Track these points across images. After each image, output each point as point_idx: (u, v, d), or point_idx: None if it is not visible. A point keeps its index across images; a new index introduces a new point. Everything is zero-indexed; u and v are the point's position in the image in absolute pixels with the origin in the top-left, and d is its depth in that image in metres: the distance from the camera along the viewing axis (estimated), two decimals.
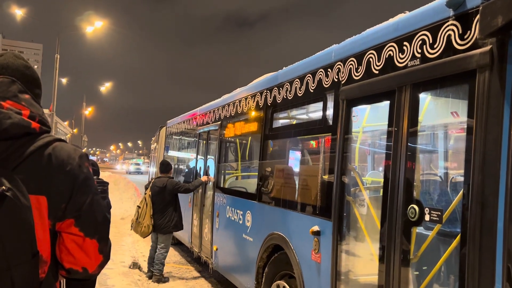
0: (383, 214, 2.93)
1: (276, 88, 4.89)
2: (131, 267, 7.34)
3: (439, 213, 2.54)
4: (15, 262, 1.20)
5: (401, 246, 2.76)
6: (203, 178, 7.29)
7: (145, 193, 7.08)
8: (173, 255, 8.94)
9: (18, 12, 25.43)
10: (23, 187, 1.24)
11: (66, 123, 69.14)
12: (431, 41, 2.70)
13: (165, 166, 7.37)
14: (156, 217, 6.87)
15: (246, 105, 5.77)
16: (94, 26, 24.98)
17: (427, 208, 2.62)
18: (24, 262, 1.22)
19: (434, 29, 2.69)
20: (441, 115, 3.31)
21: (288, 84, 4.59)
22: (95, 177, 4.20)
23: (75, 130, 57.25)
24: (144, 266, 7.24)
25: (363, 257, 3.42)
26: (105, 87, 42.66)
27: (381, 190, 3.05)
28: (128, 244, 9.41)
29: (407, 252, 2.75)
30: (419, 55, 2.79)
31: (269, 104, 5.02)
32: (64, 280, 1.51)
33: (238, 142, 6.53)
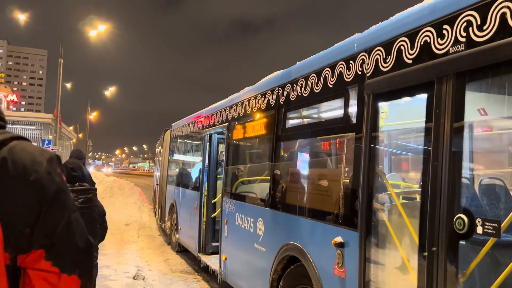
0: (422, 225, 2.53)
1: (289, 85, 4.50)
2: (135, 278, 6.95)
3: (496, 224, 2.13)
4: None
5: (445, 262, 2.36)
6: None
7: None
8: (179, 263, 8.55)
9: (21, 17, 25.21)
10: None
11: (71, 128, 69.08)
12: (479, 22, 2.30)
13: None
14: None
15: (255, 104, 5.38)
16: (98, 30, 24.68)
17: (479, 219, 2.21)
18: None
19: (483, 7, 2.29)
20: (493, 110, 2.89)
21: (303, 80, 4.19)
22: (76, 184, 3.71)
23: (80, 135, 57.09)
24: (149, 276, 6.85)
25: (396, 274, 3.00)
26: (110, 92, 42.38)
27: (419, 196, 2.64)
28: (133, 252, 9.00)
29: (454, 269, 2.34)
30: (463, 39, 2.39)
31: (282, 103, 4.63)
32: None
33: (247, 144, 6.14)
